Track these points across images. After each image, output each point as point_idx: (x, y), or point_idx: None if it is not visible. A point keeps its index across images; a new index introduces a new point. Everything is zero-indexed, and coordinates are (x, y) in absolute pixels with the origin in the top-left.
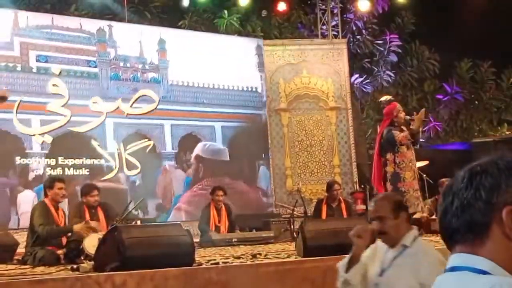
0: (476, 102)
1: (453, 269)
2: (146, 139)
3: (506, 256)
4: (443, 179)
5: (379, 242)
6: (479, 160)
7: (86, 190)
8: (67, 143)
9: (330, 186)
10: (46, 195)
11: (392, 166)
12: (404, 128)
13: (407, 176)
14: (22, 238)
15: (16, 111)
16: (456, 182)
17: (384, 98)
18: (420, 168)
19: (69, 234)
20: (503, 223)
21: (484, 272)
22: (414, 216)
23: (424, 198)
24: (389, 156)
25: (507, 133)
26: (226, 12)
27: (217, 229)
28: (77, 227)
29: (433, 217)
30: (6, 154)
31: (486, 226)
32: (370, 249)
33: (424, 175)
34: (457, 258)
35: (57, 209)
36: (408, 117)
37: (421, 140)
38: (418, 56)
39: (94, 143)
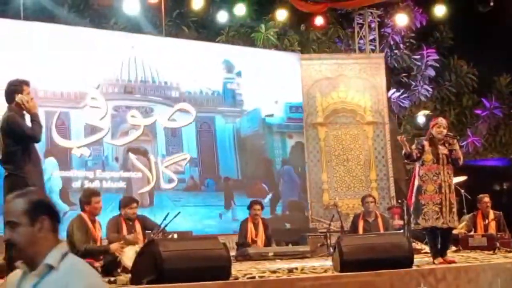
0: None
1: None
2: (183, 153)
3: None
4: (482, 195)
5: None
6: None
7: (125, 202)
8: (105, 156)
9: (363, 198)
10: (83, 209)
11: (417, 179)
12: (443, 145)
13: (429, 189)
14: None
15: (55, 124)
16: None
17: (422, 113)
18: (458, 184)
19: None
20: None
21: None
22: (454, 232)
23: (462, 213)
24: (417, 168)
25: None
26: (263, 26)
27: (254, 243)
28: (113, 246)
29: (471, 233)
30: (46, 167)
31: None
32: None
33: (462, 191)
34: None
35: (93, 222)
36: (445, 132)
37: (458, 158)
38: (456, 71)
39: (132, 156)
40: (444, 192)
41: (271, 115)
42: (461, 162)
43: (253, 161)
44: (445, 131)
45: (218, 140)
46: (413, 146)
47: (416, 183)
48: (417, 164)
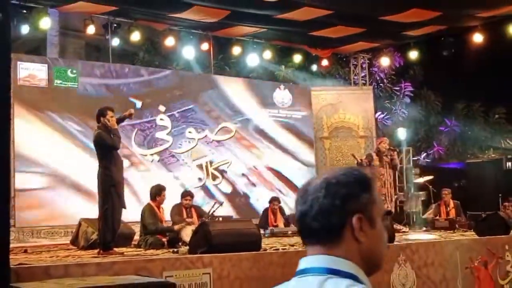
0: (469, 132)
1: (304, 271)
2: (226, 159)
3: (356, 255)
4: (444, 189)
5: None
6: (332, 172)
7: (183, 195)
8: (169, 161)
9: None
10: (153, 200)
11: None
12: (386, 156)
13: (377, 185)
14: (136, 228)
15: (134, 137)
16: (313, 190)
17: (400, 130)
18: (426, 181)
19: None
20: (353, 228)
21: (348, 275)
22: (423, 216)
23: (430, 203)
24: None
25: (492, 155)
26: (283, 66)
27: (276, 227)
28: (177, 227)
29: (437, 217)
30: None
31: (341, 229)
32: None
33: (430, 186)
34: (316, 260)
35: (159, 208)
36: (387, 147)
37: (396, 165)
38: (426, 99)
39: (188, 160)
40: (387, 187)
41: None
42: (398, 168)
43: None
44: (388, 146)
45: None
46: (364, 157)
47: None
48: (368, 169)
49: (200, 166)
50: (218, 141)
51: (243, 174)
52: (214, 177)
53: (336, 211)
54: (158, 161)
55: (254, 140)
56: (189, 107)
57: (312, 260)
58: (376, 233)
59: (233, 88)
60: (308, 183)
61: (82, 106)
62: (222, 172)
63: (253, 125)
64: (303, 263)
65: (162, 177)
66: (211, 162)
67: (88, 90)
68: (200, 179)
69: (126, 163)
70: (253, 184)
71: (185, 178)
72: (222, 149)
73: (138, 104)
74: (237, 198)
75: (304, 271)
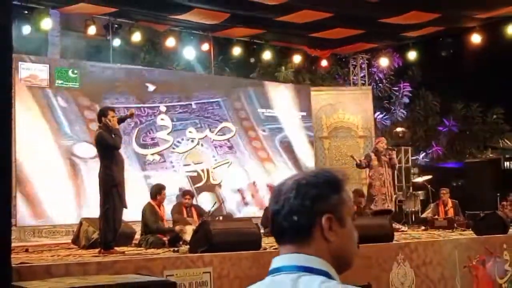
0: (467, 132)
1: (277, 269)
2: (226, 159)
3: (326, 254)
4: (443, 189)
5: None
6: (304, 173)
7: (183, 194)
8: (170, 160)
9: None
10: (153, 198)
11: (368, 178)
12: (384, 155)
13: (377, 184)
14: (136, 228)
15: (135, 137)
16: (285, 191)
17: (399, 129)
18: (425, 181)
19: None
20: (323, 227)
21: (322, 272)
22: (422, 216)
23: (429, 202)
24: (368, 171)
25: (490, 155)
26: (283, 67)
27: None
28: (177, 228)
29: (435, 216)
30: (129, 169)
31: (310, 229)
32: None
33: (429, 186)
34: (288, 259)
35: (159, 206)
36: (385, 146)
37: (394, 164)
38: (424, 99)
39: (189, 160)
40: (387, 186)
41: None
42: (396, 167)
43: None
44: (386, 146)
45: None
46: (363, 157)
47: (368, 181)
48: (368, 169)
49: (200, 166)
50: (219, 141)
51: (238, 190)
52: (215, 177)
53: (305, 211)
54: (159, 160)
55: (274, 153)
56: (215, 100)
57: (285, 258)
58: (346, 233)
59: (231, 88)
60: (282, 183)
61: (85, 103)
62: (216, 184)
63: (282, 135)
64: (276, 262)
65: (161, 176)
66: (211, 162)
67: (108, 72)
68: (200, 178)
69: (128, 163)
70: (246, 203)
71: (185, 178)
72: (222, 149)
73: (151, 87)
74: (217, 216)
75: (277, 270)
